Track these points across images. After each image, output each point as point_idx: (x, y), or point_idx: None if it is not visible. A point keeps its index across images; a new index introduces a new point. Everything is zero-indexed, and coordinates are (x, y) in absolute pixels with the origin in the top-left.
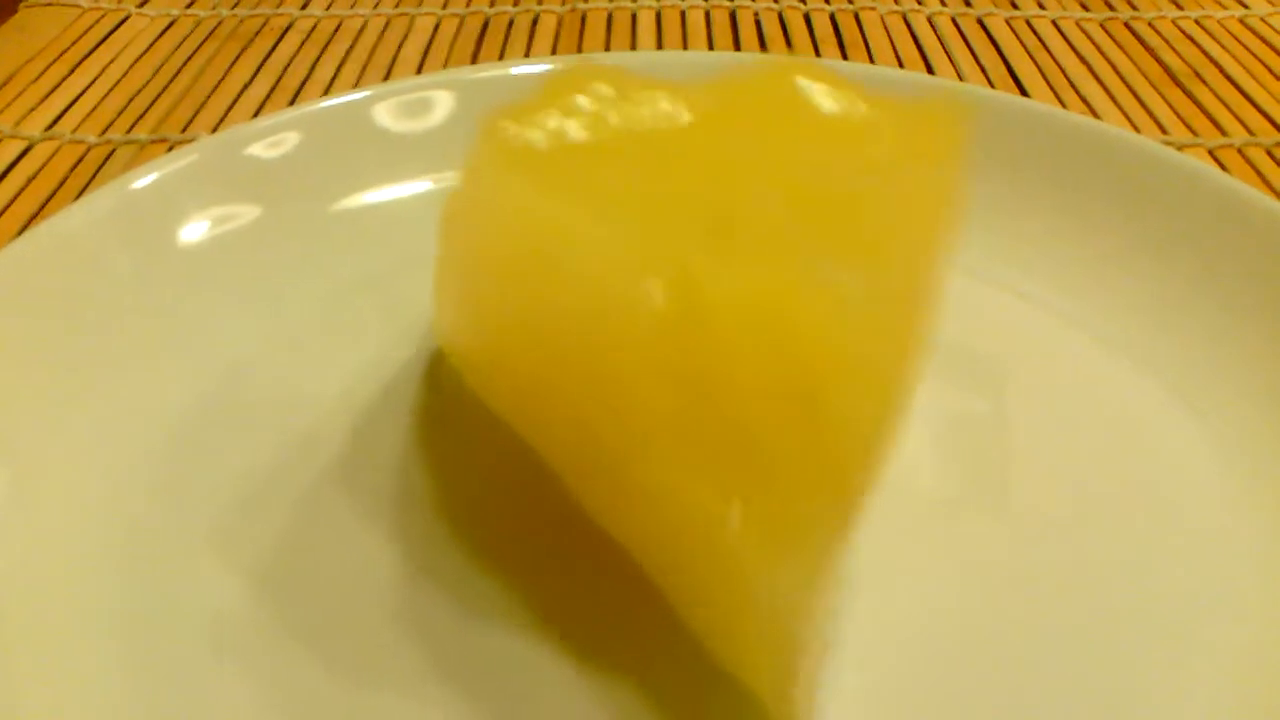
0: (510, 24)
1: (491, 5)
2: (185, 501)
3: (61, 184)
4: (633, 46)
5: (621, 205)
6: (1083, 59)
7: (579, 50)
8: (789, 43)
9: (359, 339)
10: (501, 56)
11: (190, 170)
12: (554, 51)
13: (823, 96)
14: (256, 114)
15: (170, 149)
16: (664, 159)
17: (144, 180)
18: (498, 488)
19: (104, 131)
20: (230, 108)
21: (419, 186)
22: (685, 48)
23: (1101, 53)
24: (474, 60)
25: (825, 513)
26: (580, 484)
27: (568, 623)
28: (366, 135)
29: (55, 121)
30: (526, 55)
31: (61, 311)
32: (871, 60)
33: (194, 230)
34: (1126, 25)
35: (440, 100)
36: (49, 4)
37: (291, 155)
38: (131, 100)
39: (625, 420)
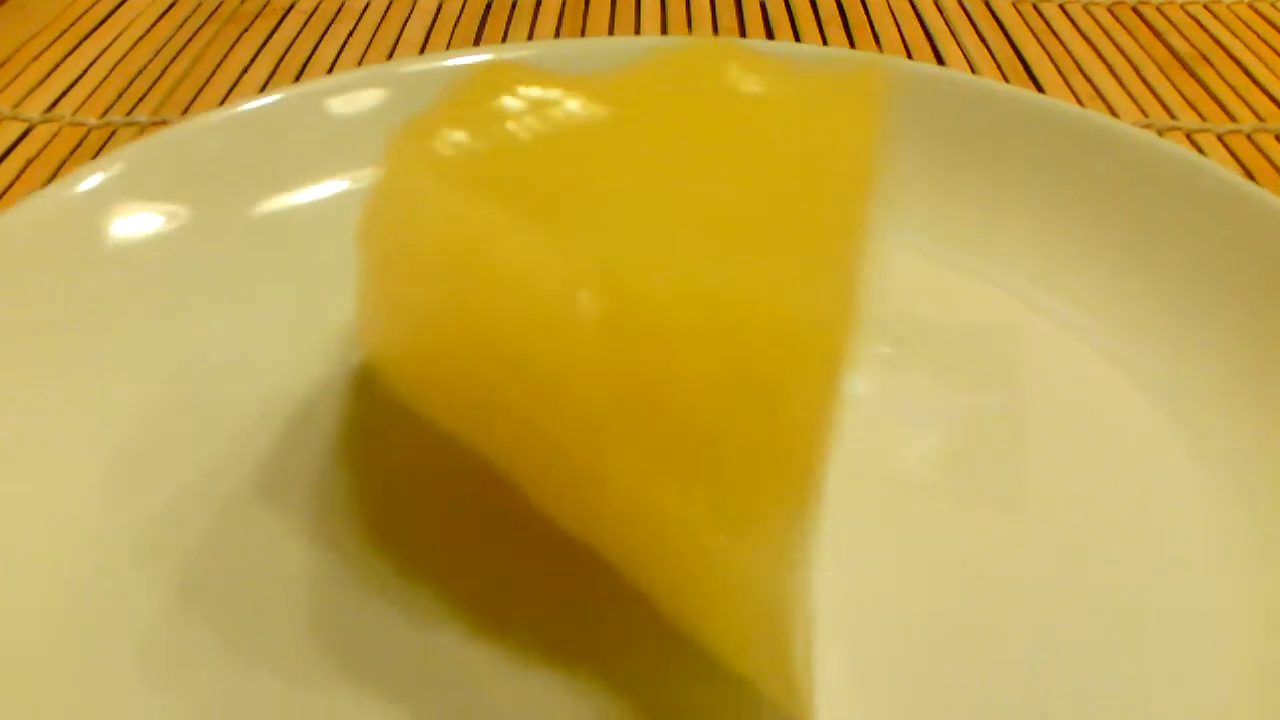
0: (514, 5)
1: None
2: (111, 515)
3: (61, 166)
4: (637, 30)
5: (548, 205)
6: (1090, 43)
7: (582, 35)
8: (794, 26)
9: (286, 347)
10: (505, 39)
11: (118, 175)
12: (557, 34)
13: (742, 77)
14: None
15: None
16: (589, 155)
17: (75, 186)
18: (433, 493)
19: (105, 113)
20: (231, 89)
21: (344, 185)
22: (690, 30)
23: (1109, 37)
24: (476, 44)
25: (784, 491)
26: (536, 486)
27: (527, 625)
28: (295, 133)
29: (55, 103)
30: (530, 39)
31: None
32: (878, 45)
33: (118, 237)
34: (1134, 10)
35: (371, 96)
36: None
37: (218, 156)
38: (132, 82)
39: (573, 422)
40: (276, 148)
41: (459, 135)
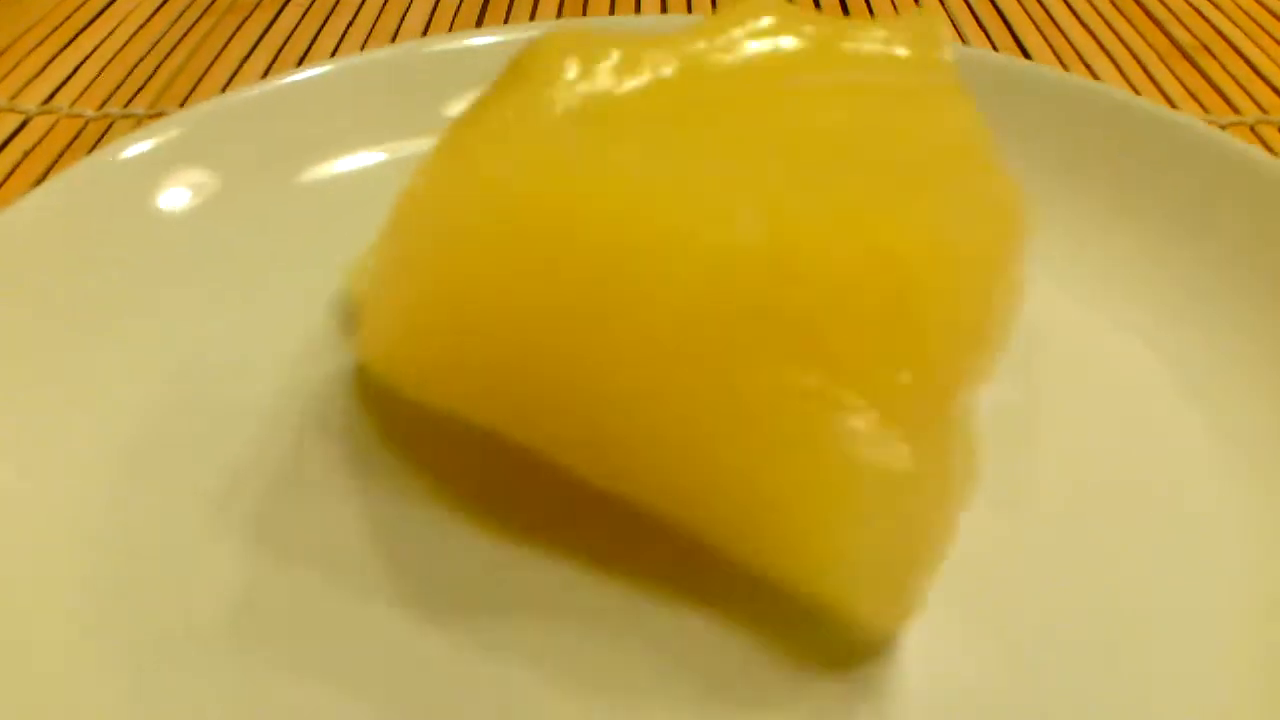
0: (511, 2)
1: None
2: (115, 512)
3: (59, 158)
4: (637, 12)
5: (666, 156)
6: (1092, 33)
7: (584, 17)
8: None
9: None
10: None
11: (155, 149)
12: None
13: (803, 28)
14: None
15: None
16: (679, 111)
17: (116, 154)
18: (453, 487)
19: (102, 105)
20: (229, 80)
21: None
22: (690, 11)
23: (1111, 27)
24: None
25: (927, 397)
26: (595, 455)
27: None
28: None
29: (52, 95)
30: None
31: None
32: None
33: (154, 212)
34: (1136, 0)
35: (389, 74)
36: None
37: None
38: (130, 73)
39: (694, 356)
40: (307, 123)
41: (540, 111)
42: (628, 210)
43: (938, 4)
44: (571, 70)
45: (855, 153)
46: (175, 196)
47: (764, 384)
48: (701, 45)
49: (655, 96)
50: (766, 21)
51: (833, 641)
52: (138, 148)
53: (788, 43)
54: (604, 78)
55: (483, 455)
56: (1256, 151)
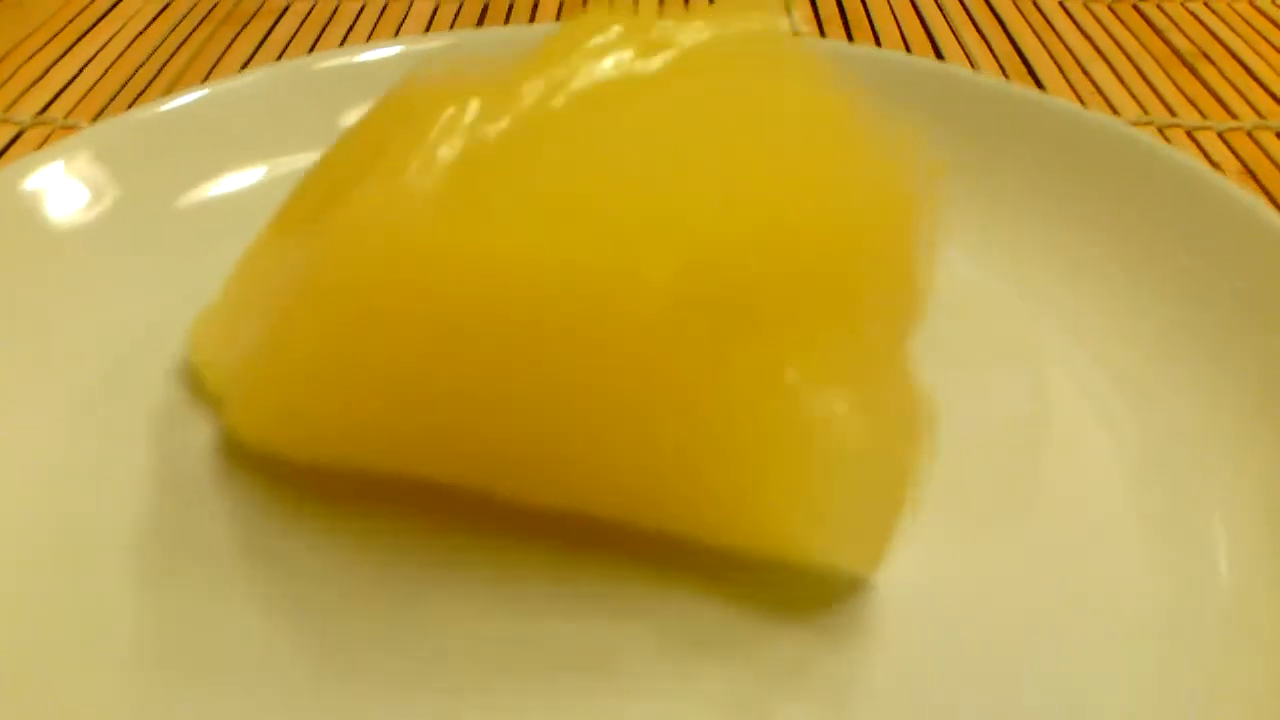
0: (510, 7)
1: None
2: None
3: None
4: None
5: (554, 190)
6: (1091, 41)
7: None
8: (793, 27)
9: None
10: None
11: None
12: None
13: (649, 35)
14: None
15: None
16: (557, 143)
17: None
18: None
19: (97, 116)
20: None
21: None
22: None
23: (1110, 35)
24: None
25: (865, 356)
26: (531, 472)
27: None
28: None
29: (47, 106)
30: None
31: None
32: (878, 44)
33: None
34: (1135, 7)
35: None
36: None
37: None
38: (125, 84)
39: (636, 359)
40: (195, 143)
41: (422, 174)
42: (533, 249)
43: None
44: (439, 118)
45: (742, 145)
46: (65, 215)
47: (703, 380)
48: (558, 71)
49: (529, 134)
50: (613, 34)
51: (806, 589)
52: (31, 164)
53: (641, 53)
54: (473, 123)
55: (397, 499)
56: (1145, 137)
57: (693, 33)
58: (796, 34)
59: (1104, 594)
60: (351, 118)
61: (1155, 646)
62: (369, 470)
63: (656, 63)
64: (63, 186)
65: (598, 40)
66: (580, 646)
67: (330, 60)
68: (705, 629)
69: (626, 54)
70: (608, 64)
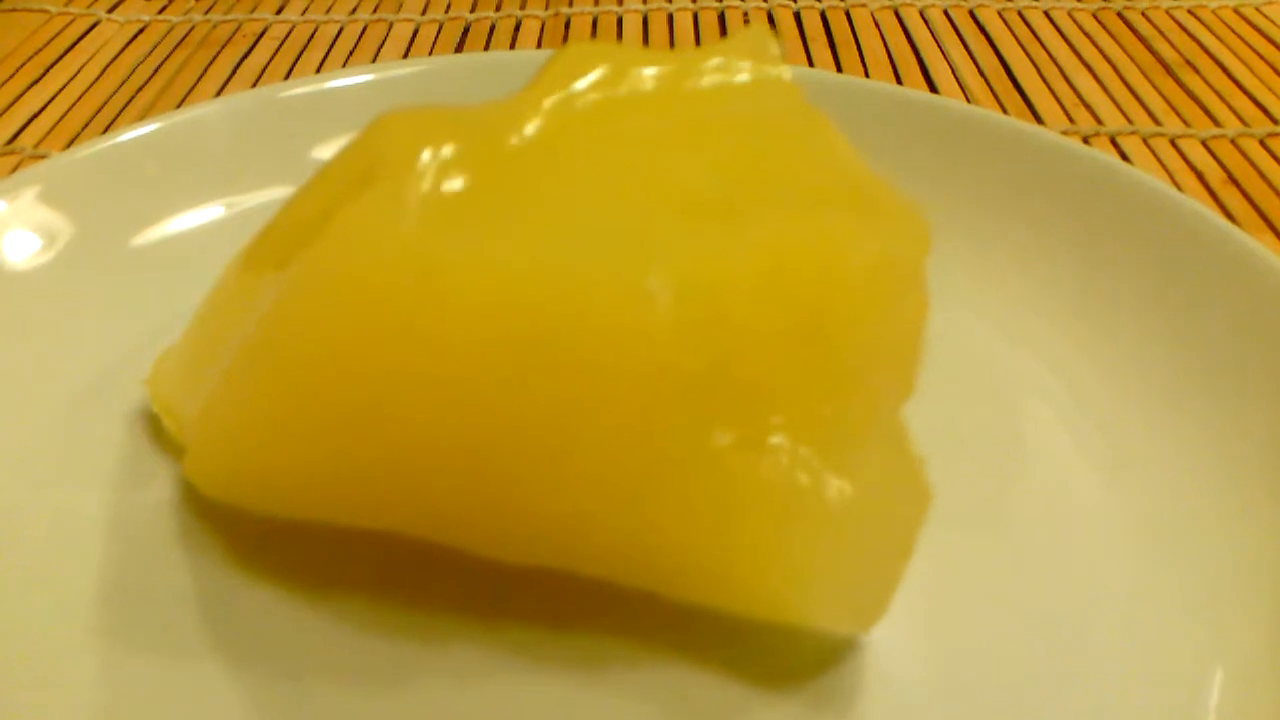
0: (491, 29)
1: (472, 10)
2: None
3: None
4: (619, 38)
5: (546, 234)
6: (1075, 49)
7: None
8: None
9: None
10: None
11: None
12: None
13: (641, 70)
14: None
15: None
16: (549, 184)
17: None
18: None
19: (69, 144)
20: None
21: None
22: (690, 34)
23: (1094, 42)
24: None
25: (854, 421)
26: (502, 532)
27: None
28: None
29: (16, 135)
30: None
31: None
32: (862, 57)
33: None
34: (1119, 15)
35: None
36: (14, 10)
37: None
38: (98, 111)
39: (612, 418)
40: (153, 177)
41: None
42: (521, 296)
43: (764, 19)
44: (423, 159)
45: (737, 193)
46: (14, 256)
47: (688, 446)
48: (549, 106)
49: (521, 174)
50: (602, 70)
51: (798, 654)
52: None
53: (631, 89)
54: (461, 163)
55: (367, 554)
56: (1109, 159)
57: (691, 74)
58: (783, 64)
59: (1096, 641)
60: (320, 148)
61: (1146, 689)
62: (336, 525)
63: (648, 101)
64: (11, 224)
65: (590, 77)
66: (561, 714)
67: (297, 89)
68: (696, 698)
69: (621, 90)
70: (601, 102)
